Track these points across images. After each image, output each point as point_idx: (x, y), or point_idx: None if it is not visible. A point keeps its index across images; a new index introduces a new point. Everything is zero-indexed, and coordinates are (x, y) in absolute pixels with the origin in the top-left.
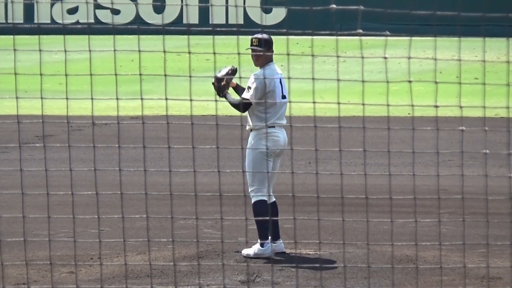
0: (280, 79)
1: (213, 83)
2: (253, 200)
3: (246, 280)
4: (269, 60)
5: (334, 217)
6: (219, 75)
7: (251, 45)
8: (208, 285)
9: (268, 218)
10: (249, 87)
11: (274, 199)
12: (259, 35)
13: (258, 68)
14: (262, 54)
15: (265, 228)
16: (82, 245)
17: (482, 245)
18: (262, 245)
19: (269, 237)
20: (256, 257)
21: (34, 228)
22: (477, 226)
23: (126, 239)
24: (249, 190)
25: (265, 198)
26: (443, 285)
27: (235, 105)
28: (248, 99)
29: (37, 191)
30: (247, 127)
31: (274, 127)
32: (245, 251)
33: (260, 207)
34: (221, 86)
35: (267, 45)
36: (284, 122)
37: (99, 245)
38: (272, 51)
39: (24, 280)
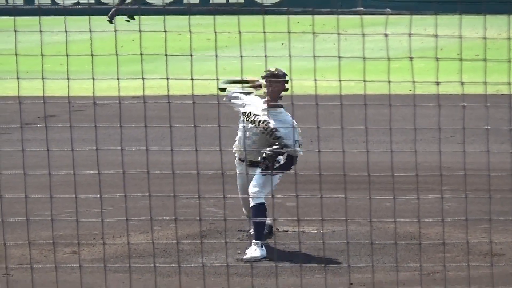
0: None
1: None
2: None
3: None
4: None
5: (337, 194)
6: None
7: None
8: (211, 264)
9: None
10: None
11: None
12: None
13: (277, 108)
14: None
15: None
16: (84, 225)
17: (485, 221)
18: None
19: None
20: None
21: (36, 208)
22: (480, 202)
23: (128, 219)
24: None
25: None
26: (446, 262)
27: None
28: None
29: (39, 171)
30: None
31: None
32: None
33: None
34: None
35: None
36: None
37: (101, 224)
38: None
39: (27, 260)
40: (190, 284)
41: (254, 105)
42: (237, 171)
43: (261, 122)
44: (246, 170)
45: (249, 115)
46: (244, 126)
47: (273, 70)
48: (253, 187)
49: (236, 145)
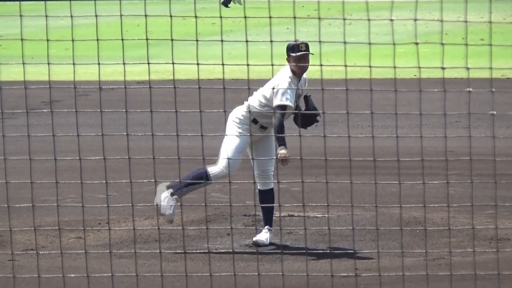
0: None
1: None
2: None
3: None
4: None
5: (342, 179)
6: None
7: (303, 50)
8: (216, 249)
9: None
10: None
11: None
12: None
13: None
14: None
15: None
16: (90, 210)
17: (490, 206)
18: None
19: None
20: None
21: (42, 193)
22: (485, 187)
23: (134, 204)
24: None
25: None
26: (451, 247)
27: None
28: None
29: (44, 157)
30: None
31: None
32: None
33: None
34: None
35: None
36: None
37: (107, 210)
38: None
39: (32, 246)
40: (195, 269)
41: (297, 85)
42: (242, 131)
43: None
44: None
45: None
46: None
47: (304, 41)
48: (264, 172)
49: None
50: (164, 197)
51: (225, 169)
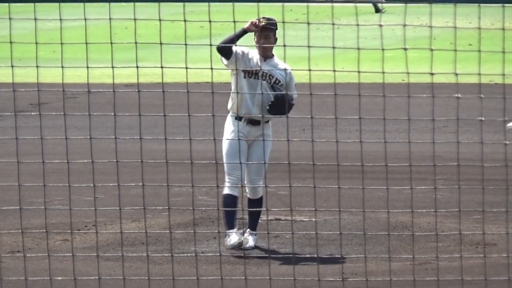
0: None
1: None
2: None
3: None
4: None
5: (329, 184)
6: None
7: (264, 26)
8: (203, 253)
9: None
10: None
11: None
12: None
13: (272, 57)
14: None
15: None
16: (77, 213)
17: (477, 212)
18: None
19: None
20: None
21: (29, 196)
22: (472, 193)
23: (121, 207)
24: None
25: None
26: (438, 252)
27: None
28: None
29: (32, 159)
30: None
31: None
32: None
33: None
34: None
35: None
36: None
37: (94, 212)
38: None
39: (19, 248)
40: (182, 272)
41: (256, 59)
42: (230, 136)
43: (271, 77)
44: (238, 137)
45: (263, 73)
46: (248, 84)
47: (267, 16)
48: (251, 182)
49: (237, 104)
50: (227, 241)
51: (228, 181)
